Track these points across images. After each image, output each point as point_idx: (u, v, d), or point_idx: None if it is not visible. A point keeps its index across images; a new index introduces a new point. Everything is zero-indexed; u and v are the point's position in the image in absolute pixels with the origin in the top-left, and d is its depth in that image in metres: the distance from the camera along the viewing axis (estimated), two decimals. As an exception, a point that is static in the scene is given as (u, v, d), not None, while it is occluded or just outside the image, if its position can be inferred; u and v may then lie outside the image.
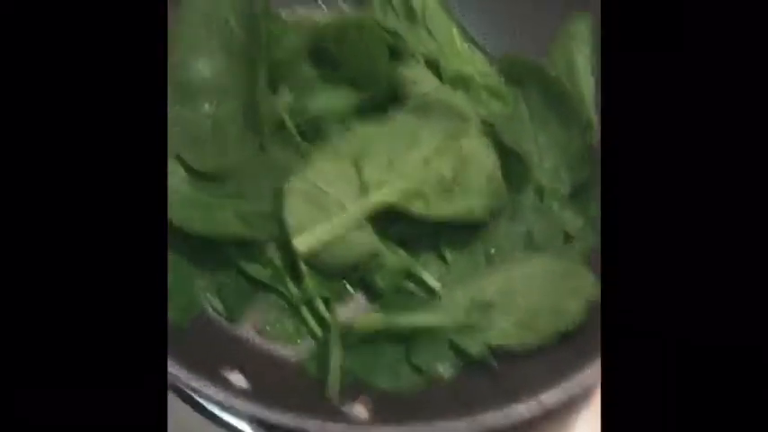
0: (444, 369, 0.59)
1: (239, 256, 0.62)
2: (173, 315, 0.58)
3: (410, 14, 0.71)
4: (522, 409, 0.52)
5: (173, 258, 0.61)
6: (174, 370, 0.52)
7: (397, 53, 0.67)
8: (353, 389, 0.57)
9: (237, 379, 0.55)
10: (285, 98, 0.66)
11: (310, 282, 0.61)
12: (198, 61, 0.65)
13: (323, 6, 0.74)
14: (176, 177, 0.62)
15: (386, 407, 0.56)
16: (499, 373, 0.58)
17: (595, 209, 0.63)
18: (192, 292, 0.61)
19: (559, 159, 0.66)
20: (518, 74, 0.68)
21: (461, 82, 0.68)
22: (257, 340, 0.62)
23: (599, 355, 0.51)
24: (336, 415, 0.55)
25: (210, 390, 0.52)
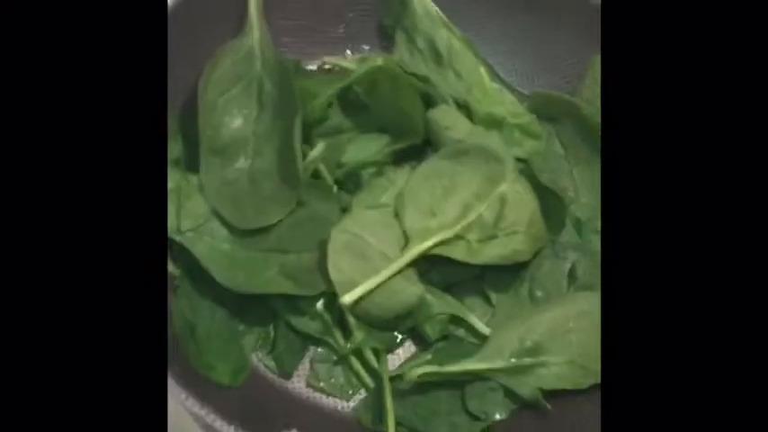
0: (499, 414, 0.59)
1: (287, 311, 0.62)
2: (225, 378, 0.59)
3: (436, 57, 0.72)
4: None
5: (220, 318, 0.62)
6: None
7: (427, 98, 0.67)
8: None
9: (295, 438, 0.56)
10: (320, 150, 0.66)
11: (359, 333, 0.61)
12: (230, 116, 0.65)
13: (350, 54, 0.75)
14: (218, 236, 0.62)
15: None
16: (554, 414, 0.58)
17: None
18: (242, 352, 0.61)
19: (596, 193, 0.66)
20: (549, 110, 0.69)
21: (493, 123, 0.68)
22: (309, 395, 0.62)
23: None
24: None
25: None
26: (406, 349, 0.64)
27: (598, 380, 0.59)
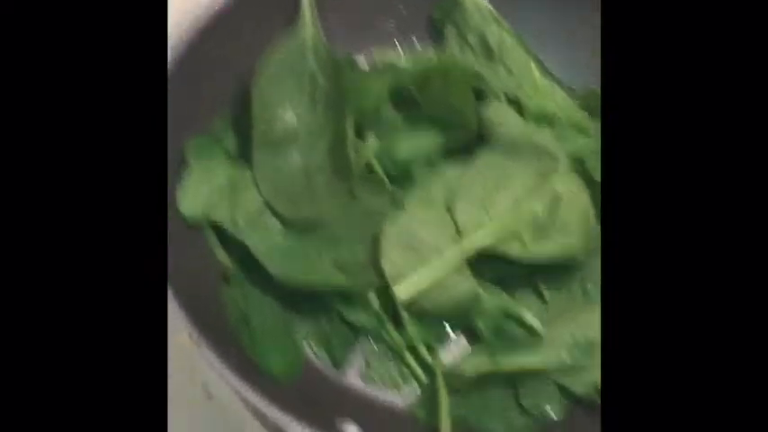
0: (554, 410, 0.59)
1: (339, 304, 0.62)
2: (280, 369, 0.59)
3: (487, 52, 0.72)
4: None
5: (273, 310, 0.62)
6: (287, 424, 0.53)
7: (478, 93, 0.68)
8: (467, 435, 0.58)
9: (351, 429, 0.56)
10: (372, 144, 0.66)
11: (411, 327, 0.61)
12: (283, 111, 0.65)
13: (399, 48, 0.75)
14: (272, 229, 0.63)
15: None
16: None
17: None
18: (296, 344, 0.62)
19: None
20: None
21: (544, 119, 0.68)
22: (363, 388, 0.62)
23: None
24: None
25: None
26: (459, 345, 0.64)
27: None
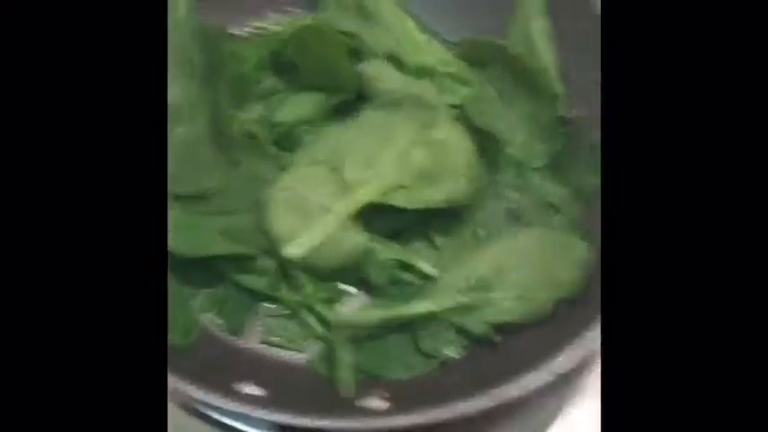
0: (452, 351, 0.60)
1: (233, 270, 0.62)
2: (175, 338, 0.59)
3: (364, 12, 0.72)
4: (534, 379, 0.53)
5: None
6: (186, 389, 0.52)
7: (357, 53, 0.68)
8: (368, 383, 0.58)
9: (252, 390, 0.56)
10: (254, 112, 0.66)
11: (307, 286, 0.61)
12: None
13: (274, 17, 0.75)
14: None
15: (402, 395, 0.57)
16: (506, 347, 0.59)
17: (575, 178, 0.64)
18: (191, 313, 0.61)
19: (531, 133, 0.67)
20: (478, 56, 0.69)
21: (424, 73, 0.69)
22: (265, 350, 0.62)
23: (599, 318, 0.53)
24: (355, 411, 0.55)
25: (227, 403, 0.52)
26: (359, 300, 0.64)
27: (545, 313, 0.60)
